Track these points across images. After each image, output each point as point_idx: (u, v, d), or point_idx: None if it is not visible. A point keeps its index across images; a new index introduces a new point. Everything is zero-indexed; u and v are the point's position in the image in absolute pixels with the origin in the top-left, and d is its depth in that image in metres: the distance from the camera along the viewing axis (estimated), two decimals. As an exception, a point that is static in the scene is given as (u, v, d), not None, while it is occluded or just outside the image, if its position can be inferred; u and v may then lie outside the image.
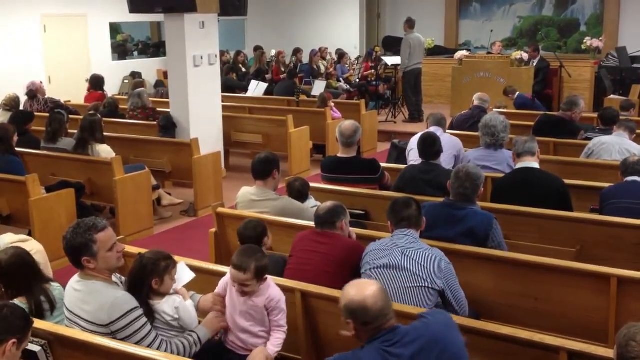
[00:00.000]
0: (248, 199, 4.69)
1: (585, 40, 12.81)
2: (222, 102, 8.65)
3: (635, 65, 12.19)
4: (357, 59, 14.58)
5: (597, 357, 2.77)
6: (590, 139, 6.34)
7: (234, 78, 12.35)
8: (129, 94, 9.51)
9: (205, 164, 7.20)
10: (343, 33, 15.84)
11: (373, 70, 13.21)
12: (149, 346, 2.99)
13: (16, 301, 3.10)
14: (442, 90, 13.51)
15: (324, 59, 13.89)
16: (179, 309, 3.12)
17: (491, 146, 5.47)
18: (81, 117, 7.61)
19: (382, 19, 16.75)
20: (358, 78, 13.40)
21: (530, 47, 12.31)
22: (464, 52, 12.74)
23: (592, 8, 14.48)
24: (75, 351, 2.98)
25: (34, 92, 9.10)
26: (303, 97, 10.50)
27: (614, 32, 14.00)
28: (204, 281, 3.54)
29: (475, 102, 7.75)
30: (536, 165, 4.81)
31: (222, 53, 11.57)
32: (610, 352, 2.65)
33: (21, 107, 8.63)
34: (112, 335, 2.97)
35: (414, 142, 5.99)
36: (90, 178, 6.47)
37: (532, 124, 7.24)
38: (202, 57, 7.87)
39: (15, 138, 6.40)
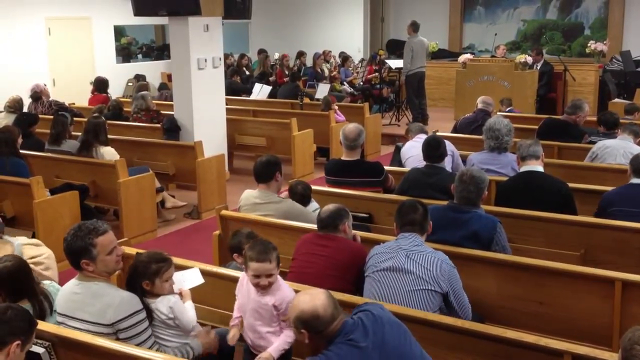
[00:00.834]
0: (251, 201, 4.69)
1: (589, 44, 12.77)
2: (226, 105, 8.66)
3: (639, 69, 12.17)
4: (361, 62, 14.59)
5: (601, 361, 2.76)
6: (594, 142, 6.33)
7: (237, 81, 12.35)
8: (133, 96, 9.52)
9: (209, 167, 7.20)
10: (347, 36, 15.86)
11: (377, 74, 13.21)
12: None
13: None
14: (446, 93, 13.51)
15: (327, 62, 13.88)
16: (173, 308, 3.13)
17: (495, 149, 5.46)
18: (85, 119, 7.64)
19: (386, 22, 16.77)
20: (362, 81, 13.40)
21: (534, 50, 12.27)
22: (468, 56, 12.75)
23: (597, 12, 14.49)
24: (79, 353, 2.98)
25: (38, 95, 9.11)
26: (307, 100, 10.50)
27: (618, 36, 14.00)
28: (207, 283, 3.53)
29: (479, 106, 7.73)
30: (540, 168, 4.79)
31: (226, 56, 11.60)
32: (614, 356, 2.64)
33: (25, 110, 8.65)
34: (115, 334, 2.98)
35: (409, 151, 5.99)
36: (94, 180, 6.47)
37: (537, 127, 7.23)
38: (206, 60, 7.87)
39: (20, 140, 6.41)
